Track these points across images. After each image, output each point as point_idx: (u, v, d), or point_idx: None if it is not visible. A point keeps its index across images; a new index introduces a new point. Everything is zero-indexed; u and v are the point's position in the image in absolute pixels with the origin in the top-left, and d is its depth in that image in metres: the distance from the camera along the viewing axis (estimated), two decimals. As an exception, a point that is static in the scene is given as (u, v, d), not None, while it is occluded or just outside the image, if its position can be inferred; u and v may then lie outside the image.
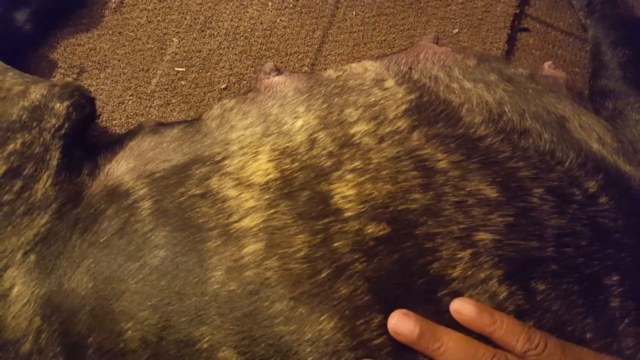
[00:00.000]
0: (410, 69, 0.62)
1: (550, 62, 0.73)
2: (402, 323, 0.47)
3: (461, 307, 0.47)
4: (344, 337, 0.47)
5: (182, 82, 0.82)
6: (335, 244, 0.50)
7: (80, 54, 0.82)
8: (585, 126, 0.58)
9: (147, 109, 0.80)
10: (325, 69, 0.67)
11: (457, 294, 0.48)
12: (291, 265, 0.49)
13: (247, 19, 0.86)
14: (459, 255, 0.49)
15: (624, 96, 0.72)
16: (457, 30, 0.87)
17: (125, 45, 0.83)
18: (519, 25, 0.89)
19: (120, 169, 0.59)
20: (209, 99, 0.81)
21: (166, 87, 0.81)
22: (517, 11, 0.89)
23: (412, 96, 0.58)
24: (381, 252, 0.49)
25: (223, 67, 0.83)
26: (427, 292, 0.48)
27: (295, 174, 0.54)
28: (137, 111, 0.80)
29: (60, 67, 0.81)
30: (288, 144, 0.56)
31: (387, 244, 0.50)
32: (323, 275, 0.49)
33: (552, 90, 0.62)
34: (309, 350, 0.47)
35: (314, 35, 0.86)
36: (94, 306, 0.52)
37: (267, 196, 0.53)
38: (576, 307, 0.49)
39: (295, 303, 0.48)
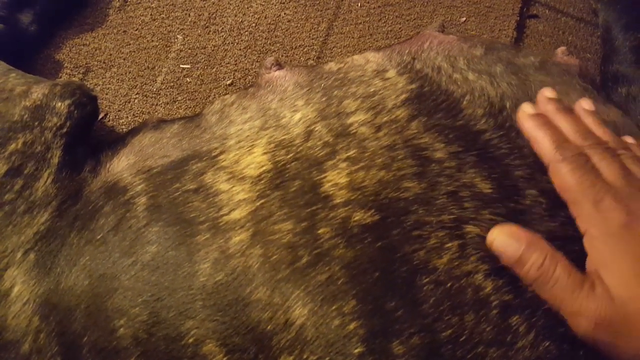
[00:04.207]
0: (414, 58, 0.61)
1: (563, 48, 0.70)
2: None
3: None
4: (314, 324, 0.47)
5: (188, 79, 0.81)
6: (319, 231, 0.49)
7: (86, 53, 0.82)
8: None
9: (154, 107, 0.80)
10: (327, 62, 0.66)
11: (438, 283, 0.47)
12: (273, 253, 0.49)
13: (251, 14, 0.85)
14: (447, 245, 0.48)
15: (638, 81, 0.70)
16: (464, 18, 0.86)
17: (130, 44, 0.83)
18: (527, 12, 0.87)
19: (120, 165, 0.59)
20: (214, 95, 0.81)
21: (172, 84, 0.81)
22: (527, -3, 0.87)
23: (413, 86, 0.57)
24: (365, 239, 0.48)
25: (228, 63, 0.83)
26: (408, 279, 0.47)
27: (289, 165, 0.53)
28: (143, 109, 0.80)
29: (66, 67, 0.81)
30: (285, 137, 0.55)
31: (373, 231, 0.49)
32: (303, 261, 0.48)
33: (562, 80, 0.60)
34: (281, 338, 0.47)
35: (319, 28, 0.85)
36: (89, 304, 0.52)
37: (258, 187, 0.52)
38: None
39: (272, 290, 0.48)
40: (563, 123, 0.52)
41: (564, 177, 0.48)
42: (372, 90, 0.57)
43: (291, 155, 0.54)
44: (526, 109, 0.53)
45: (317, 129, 0.55)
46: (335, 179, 0.51)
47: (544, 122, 0.52)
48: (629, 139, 0.55)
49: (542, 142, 0.50)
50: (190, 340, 0.48)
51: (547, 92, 0.56)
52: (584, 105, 0.55)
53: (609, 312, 0.43)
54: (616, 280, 0.43)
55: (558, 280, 0.45)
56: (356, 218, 0.49)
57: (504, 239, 0.47)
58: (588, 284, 0.44)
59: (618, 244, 0.44)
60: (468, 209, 0.49)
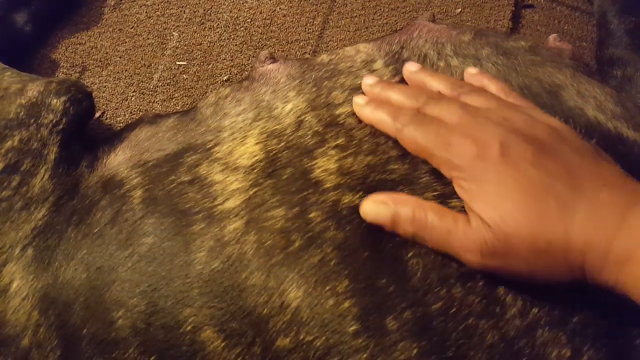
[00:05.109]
0: (402, 47, 0.61)
1: (555, 35, 0.71)
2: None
3: None
4: (309, 305, 0.47)
5: (184, 76, 0.81)
6: (310, 215, 0.50)
7: (82, 52, 0.82)
8: (585, 93, 0.56)
9: (151, 104, 0.80)
10: (319, 54, 0.66)
11: (423, 256, 0.47)
12: (267, 239, 0.50)
13: (246, 9, 0.85)
14: None
15: (633, 63, 0.69)
16: (459, 9, 0.86)
17: (125, 42, 0.83)
18: (523, 2, 0.86)
19: (117, 159, 0.60)
20: (211, 91, 0.81)
21: (168, 81, 0.81)
22: (521, -13, 0.87)
23: (397, 78, 0.58)
24: (354, 220, 0.49)
25: (224, 59, 0.83)
26: (395, 255, 0.48)
27: (280, 154, 0.54)
28: (140, 107, 0.80)
29: (63, 66, 0.82)
30: (276, 127, 0.56)
31: None
32: (296, 245, 0.49)
33: (553, 60, 0.61)
34: (277, 320, 0.47)
35: (315, 22, 0.85)
36: (87, 297, 0.52)
37: (251, 177, 0.53)
38: None
39: (267, 275, 0.48)
40: (393, 95, 0.54)
41: (410, 139, 0.50)
42: (359, 82, 0.58)
43: (282, 144, 0.54)
44: (357, 100, 0.55)
45: (307, 119, 0.56)
46: (325, 165, 0.52)
47: (376, 104, 0.54)
48: (472, 70, 0.57)
49: (381, 121, 0.52)
50: (189, 328, 0.49)
51: (367, 80, 0.57)
52: (410, 67, 0.57)
53: (489, 239, 0.43)
54: (486, 207, 0.44)
55: (433, 226, 0.46)
56: (345, 200, 0.50)
57: (373, 207, 0.48)
58: (462, 220, 0.45)
59: (476, 174, 0.45)
60: (450, 184, 0.50)
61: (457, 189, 0.47)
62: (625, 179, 0.45)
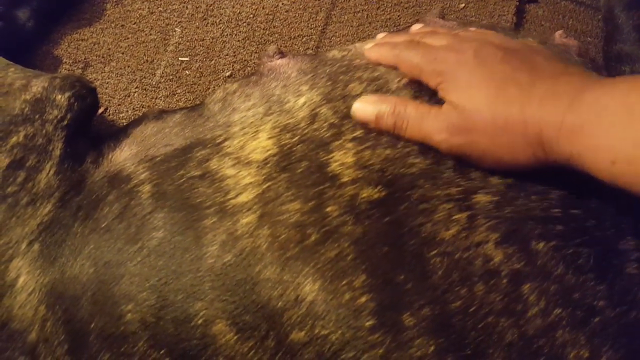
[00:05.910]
0: None
1: (561, 31, 0.71)
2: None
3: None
4: (325, 300, 0.47)
5: (187, 72, 0.81)
6: (327, 209, 0.49)
7: (84, 48, 0.82)
8: None
9: (153, 100, 0.80)
10: (329, 50, 0.66)
11: (446, 255, 0.47)
12: (281, 232, 0.49)
13: (248, 5, 0.85)
14: (455, 217, 0.48)
15: None
16: (463, 4, 0.85)
17: (128, 38, 0.83)
18: (527, -4, 0.87)
19: (123, 155, 0.59)
20: (214, 87, 0.80)
21: (171, 77, 0.81)
22: (526, -18, 0.87)
23: None
24: (373, 215, 0.49)
25: (227, 55, 0.82)
26: (416, 252, 0.47)
27: (295, 147, 0.53)
28: (143, 103, 0.80)
29: (65, 62, 0.81)
30: (289, 121, 0.56)
31: (381, 207, 0.49)
32: (312, 239, 0.49)
33: (560, 56, 0.60)
34: (292, 314, 0.47)
35: (317, 18, 0.85)
36: (95, 291, 0.52)
37: (264, 171, 0.53)
38: (585, 272, 0.47)
39: (281, 268, 0.48)
40: (396, 38, 0.61)
41: (406, 61, 0.55)
42: (376, 74, 0.57)
43: (297, 138, 0.54)
44: (366, 46, 0.60)
45: (322, 111, 0.55)
46: (342, 158, 0.52)
47: (381, 44, 0.60)
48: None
49: (383, 55, 0.58)
50: (200, 322, 0.49)
51: (378, 35, 0.64)
52: (414, 28, 0.65)
53: (454, 117, 0.49)
54: (455, 94, 0.50)
55: (410, 115, 0.51)
56: (364, 195, 0.50)
57: (360, 106, 0.54)
58: (436, 108, 0.51)
59: (454, 74, 0.51)
60: (475, 179, 0.50)
61: (439, 93, 0.52)
62: (587, 72, 0.50)
